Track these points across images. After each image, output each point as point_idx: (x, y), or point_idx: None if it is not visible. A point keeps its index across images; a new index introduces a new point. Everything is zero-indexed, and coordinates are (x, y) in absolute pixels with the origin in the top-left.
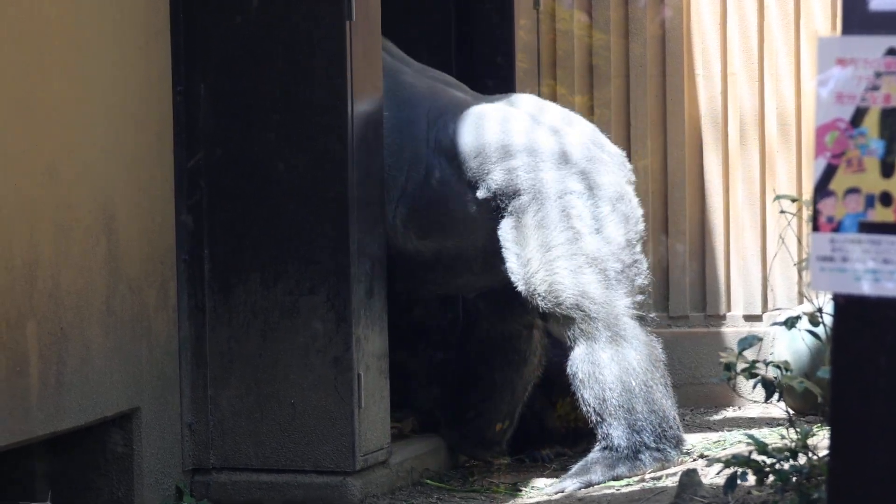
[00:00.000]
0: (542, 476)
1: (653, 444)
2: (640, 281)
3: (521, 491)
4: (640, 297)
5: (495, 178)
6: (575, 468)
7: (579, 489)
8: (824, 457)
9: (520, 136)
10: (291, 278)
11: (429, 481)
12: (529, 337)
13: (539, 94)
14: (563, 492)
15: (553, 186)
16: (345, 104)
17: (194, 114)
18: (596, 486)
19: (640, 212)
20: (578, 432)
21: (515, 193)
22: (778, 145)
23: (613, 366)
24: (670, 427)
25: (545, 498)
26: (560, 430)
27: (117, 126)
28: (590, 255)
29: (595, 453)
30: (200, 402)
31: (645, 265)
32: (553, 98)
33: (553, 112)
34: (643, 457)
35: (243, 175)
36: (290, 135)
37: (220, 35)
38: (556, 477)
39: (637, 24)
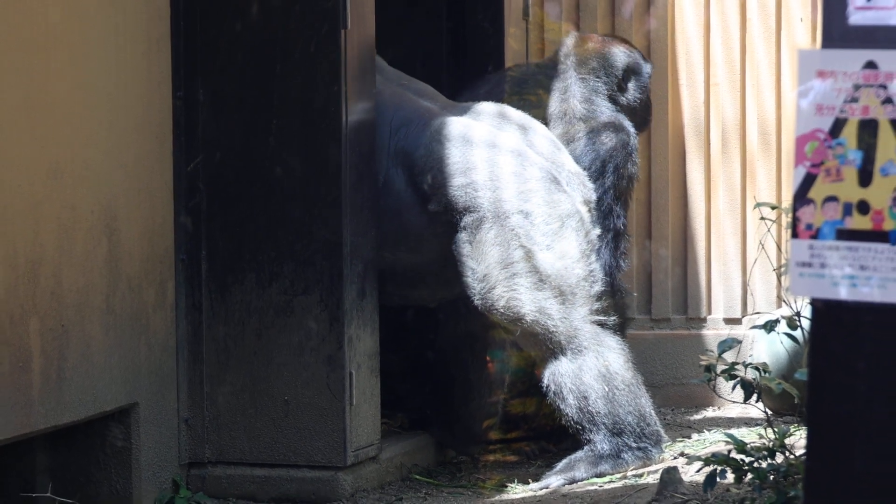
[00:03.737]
0: (527, 472)
1: (634, 444)
2: (597, 288)
3: (507, 487)
4: (597, 305)
5: (451, 194)
6: (559, 465)
7: (563, 486)
8: (801, 456)
9: (479, 153)
10: (286, 279)
11: (417, 476)
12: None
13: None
14: (547, 488)
15: (509, 204)
16: (339, 110)
17: (194, 118)
18: (579, 483)
19: (591, 225)
20: (563, 429)
21: (470, 210)
22: (759, 154)
23: (582, 375)
24: (648, 425)
25: (530, 494)
26: (545, 428)
27: (119, 130)
28: (545, 270)
29: (579, 452)
30: (197, 398)
31: (600, 273)
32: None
33: (514, 128)
34: (625, 456)
35: (241, 178)
36: (286, 140)
37: (220, 42)
38: (542, 474)
39: (623, 35)
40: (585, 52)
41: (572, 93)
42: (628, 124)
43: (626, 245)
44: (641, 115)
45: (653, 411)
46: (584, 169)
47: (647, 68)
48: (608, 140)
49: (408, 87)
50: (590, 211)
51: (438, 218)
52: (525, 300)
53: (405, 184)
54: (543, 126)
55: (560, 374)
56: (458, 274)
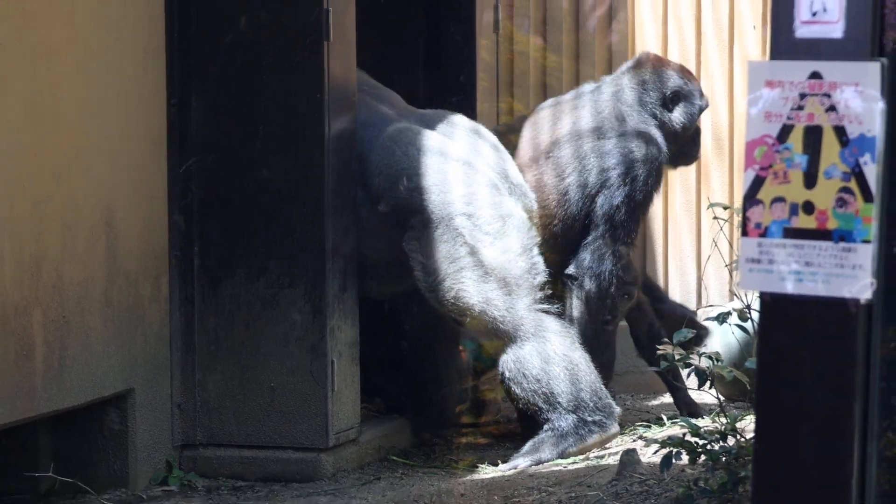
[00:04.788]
0: (497, 454)
1: (590, 418)
2: (540, 279)
3: (478, 467)
4: (540, 294)
5: (400, 196)
6: (526, 447)
7: (530, 466)
8: (751, 439)
9: (428, 160)
10: (273, 274)
11: (394, 457)
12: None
13: (497, 110)
14: (515, 468)
15: (454, 207)
16: (322, 117)
17: (187, 123)
18: (546, 463)
19: (529, 225)
20: (529, 414)
21: (417, 211)
22: (713, 158)
23: (533, 360)
24: (601, 399)
25: (499, 474)
26: (515, 411)
27: (117, 134)
28: (489, 264)
29: (542, 434)
30: (189, 385)
31: (542, 265)
32: (510, 113)
33: (464, 136)
34: (583, 430)
35: (231, 180)
36: (273, 144)
37: (211, 52)
38: (510, 455)
39: (587, 48)
40: (644, 64)
41: (620, 96)
42: (661, 141)
43: (626, 257)
44: (687, 145)
45: (603, 386)
46: (607, 168)
47: (700, 100)
48: (637, 149)
49: (369, 92)
50: (531, 218)
51: (388, 217)
52: (472, 292)
53: (359, 183)
54: (493, 135)
55: (511, 361)
56: (409, 269)
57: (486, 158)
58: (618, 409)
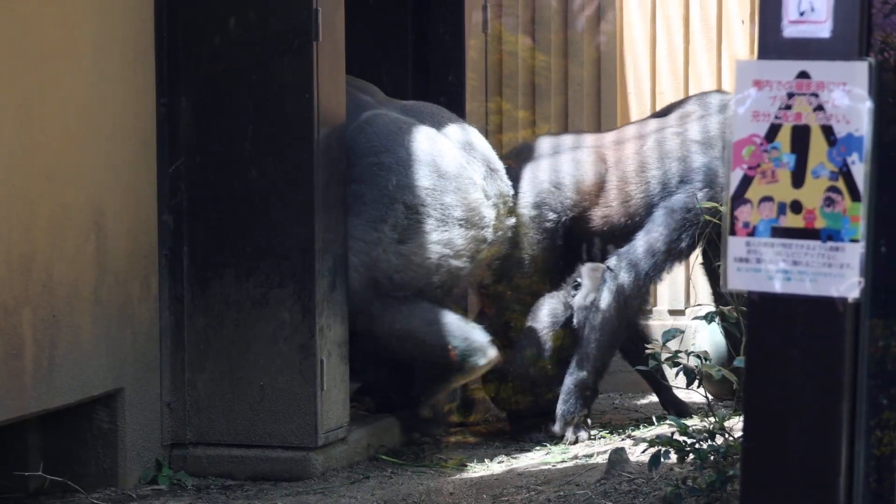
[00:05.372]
0: (485, 453)
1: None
2: (445, 278)
3: (467, 466)
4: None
5: (360, 171)
6: None
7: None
8: (739, 438)
9: (395, 139)
10: (262, 273)
11: (384, 457)
12: None
13: (486, 110)
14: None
15: (401, 192)
16: (311, 117)
17: (176, 124)
18: (534, 462)
19: (479, 219)
20: (517, 413)
21: (372, 187)
22: None
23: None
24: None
25: (488, 472)
26: (503, 410)
27: (107, 134)
28: (406, 254)
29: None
30: (179, 384)
31: (461, 265)
32: (499, 112)
33: (424, 133)
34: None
35: (220, 180)
36: (262, 144)
37: (200, 53)
38: (499, 454)
39: (575, 48)
40: None
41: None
42: None
43: (668, 268)
44: None
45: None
46: (695, 168)
47: None
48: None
49: (351, 83)
50: (504, 204)
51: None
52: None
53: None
54: (475, 130)
55: None
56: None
57: (449, 149)
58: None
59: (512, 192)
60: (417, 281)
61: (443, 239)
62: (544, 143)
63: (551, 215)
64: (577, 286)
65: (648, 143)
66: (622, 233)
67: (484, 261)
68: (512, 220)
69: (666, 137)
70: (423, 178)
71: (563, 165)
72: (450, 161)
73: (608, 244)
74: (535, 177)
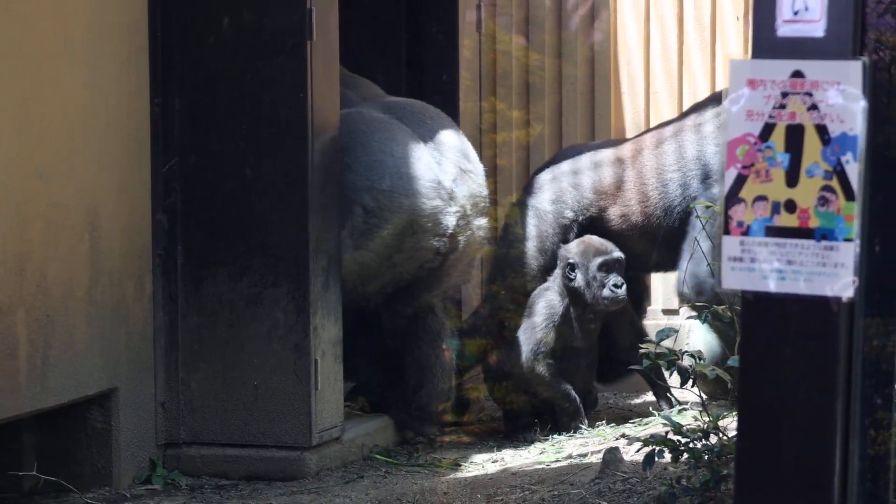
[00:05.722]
0: (479, 452)
1: None
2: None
3: (461, 465)
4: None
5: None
6: None
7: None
8: (733, 437)
9: (369, 137)
10: (256, 272)
11: (378, 456)
12: (434, 317)
13: (480, 109)
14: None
15: (360, 192)
16: (306, 116)
17: (170, 124)
18: (528, 462)
19: (437, 222)
20: (512, 413)
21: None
22: None
23: None
24: None
25: (482, 472)
26: (498, 410)
27: (101, 134)
28: (361, 250)
29: None
30: (173, 384)
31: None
32: (493, 112)
33: (393, 133)
34: None
35: (214, 179)
36: (256, 143)
37: (194, 53)
38: (493, 453)
39: (569, 47)
40: None
41: None
42: None
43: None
44: None
45: None
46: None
47: None
48: None
49: (342, 79)
50: (476, 204)
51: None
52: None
53: None
54: (438, 130)
55: None
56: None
57: (427, 143)
58: None
59: (486, 192)
60: (371, 287)
61: (393, 245)
62: (573, 149)
63: (568, 213)
64: (571, 268)
65: (666, 146)
66: (640, 232)
67: (440, 267)
68: (483, 221)
69: (685, 140)
70: (382, 180)
71: (582, 166)
72: (414, 162)
73: (626, 243)
74: (555, 177)
